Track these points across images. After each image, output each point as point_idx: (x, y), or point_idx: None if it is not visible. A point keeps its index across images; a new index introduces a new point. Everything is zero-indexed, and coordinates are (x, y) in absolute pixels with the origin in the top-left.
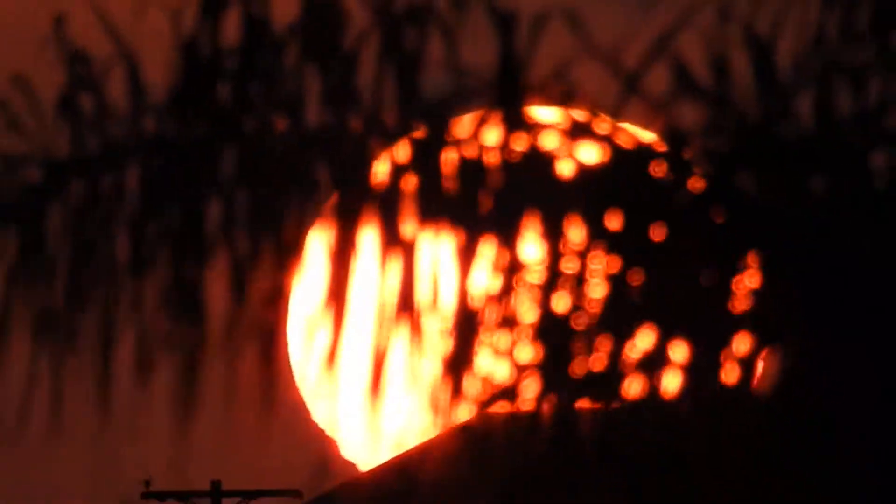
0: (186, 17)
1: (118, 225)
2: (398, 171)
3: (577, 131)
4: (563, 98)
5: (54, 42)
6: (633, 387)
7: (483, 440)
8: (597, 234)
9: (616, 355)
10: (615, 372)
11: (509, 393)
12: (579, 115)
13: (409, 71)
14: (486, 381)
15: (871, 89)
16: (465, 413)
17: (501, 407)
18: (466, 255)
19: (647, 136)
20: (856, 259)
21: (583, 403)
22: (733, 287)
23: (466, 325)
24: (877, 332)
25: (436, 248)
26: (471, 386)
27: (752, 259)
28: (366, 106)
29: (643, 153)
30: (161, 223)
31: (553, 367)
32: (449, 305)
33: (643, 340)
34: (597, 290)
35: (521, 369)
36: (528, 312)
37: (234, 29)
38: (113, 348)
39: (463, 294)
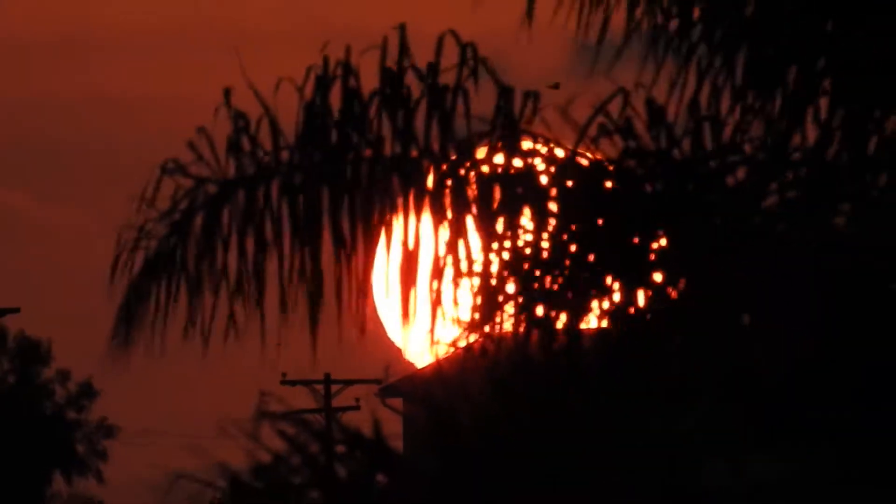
0: (307, 88)
1: (269, 217)
2: (441, 178)
3: (552, 155)
4: (542, 134)
5: (224, 105)
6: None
7: (496, 351)
8: (567, 220)
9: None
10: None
11: (493, 318)
12: (553, 144)
13: (446, 118)
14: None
15: (729, 128)
16: (487, 330)
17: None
18: (485, 232)
19: (594, 156)
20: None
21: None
22: (650, 248)
23: (485, 275)
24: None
25: (466, 226)
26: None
27: (660, 232)
28: (420, 140)
29: (591, 168)
30: (295, 216)
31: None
32: (476, 261)
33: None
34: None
35: (503, 300)
36: (521, 268)
37: (337, 94)
38: (264, 294)
39: (484, 255)
